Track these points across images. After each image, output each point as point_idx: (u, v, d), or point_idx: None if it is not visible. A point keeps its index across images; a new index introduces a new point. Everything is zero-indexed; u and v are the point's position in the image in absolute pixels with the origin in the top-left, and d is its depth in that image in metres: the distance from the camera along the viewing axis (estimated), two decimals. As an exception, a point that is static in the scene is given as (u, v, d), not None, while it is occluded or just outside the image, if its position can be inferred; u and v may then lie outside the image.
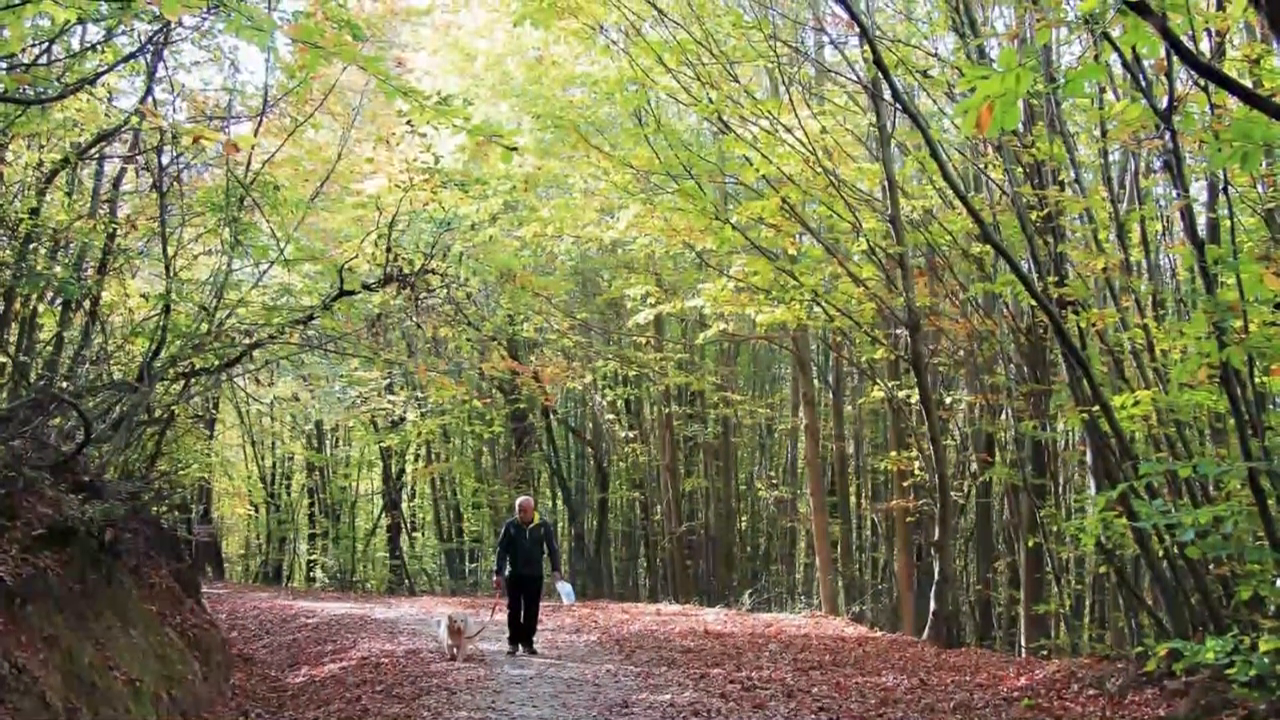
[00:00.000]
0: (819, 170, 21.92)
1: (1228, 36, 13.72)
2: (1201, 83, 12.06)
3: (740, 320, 29.32)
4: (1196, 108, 13.14)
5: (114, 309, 19.09)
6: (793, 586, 40.09)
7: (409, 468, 46.45)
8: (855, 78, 23.10)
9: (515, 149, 11.36)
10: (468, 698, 14.14)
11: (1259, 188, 15.11)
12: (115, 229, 17.69)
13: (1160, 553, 14.37)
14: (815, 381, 34.11)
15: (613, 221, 27.65)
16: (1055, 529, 21.93)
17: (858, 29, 16.69)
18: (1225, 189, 13.08)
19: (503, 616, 18.93)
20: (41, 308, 17.67)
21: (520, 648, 18.42)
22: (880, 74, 15.50)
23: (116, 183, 19.27)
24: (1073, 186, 18.22)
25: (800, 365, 32.17)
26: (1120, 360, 17.04)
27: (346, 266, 17.88)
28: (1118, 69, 15.34)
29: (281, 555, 48.98)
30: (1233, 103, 11.70)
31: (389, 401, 36.44)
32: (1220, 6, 13.34)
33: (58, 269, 17.05)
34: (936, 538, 22.56)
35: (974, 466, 28.23)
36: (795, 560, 42.68)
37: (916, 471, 27.25)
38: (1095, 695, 13.25)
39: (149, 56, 16.41)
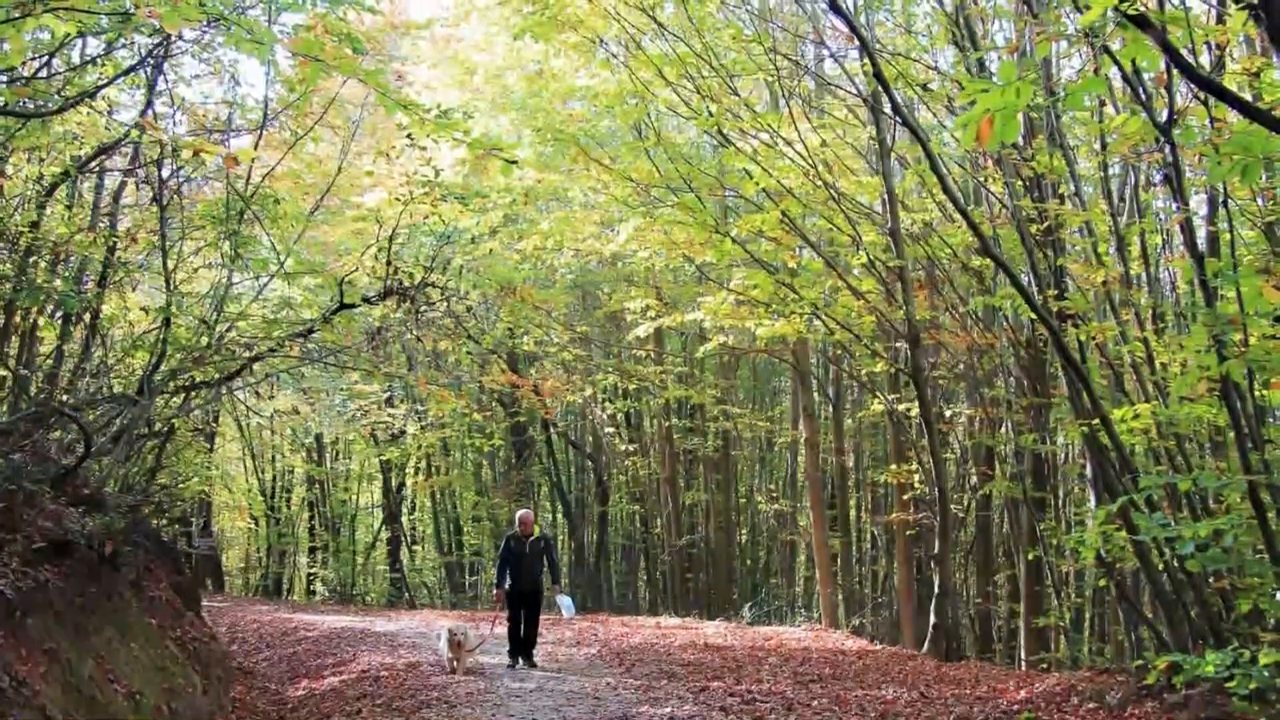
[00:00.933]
0: (819, 184, 21.95)
1: (1228, 50, 13.73)
2: (1201, 96, 12.06)
3: (740, 333, 29.32)
4: (1196, 121, 13.15)
5: (114, 322, 19.10)
6: (793, 599, 40.03)
7: (409, 481, 46.44)
8: (855, 91, 23.13)
9: (515, 162, 11.36)
10: (468, 711, 14.14)
11: (1259, 201, 15.13)
12: (115, 242, 17.72)
13: (1160, 566, 14.36)
14: (815, 395, 34.04)
15: (613, 235, 27.68)
16: (1055, 542, 21.94)
17: (857, 42, 16.71)
18: (1225, 202, 13.10)
19: (503, 630, 18.92)
20: (42, 321, 17.69)
21: (520, 661, 18.40)
22: (880, 87, 15.50)
23: (117, 196, 19.29)
24: (1073, 200, 18.24)
25: (800, 378, 32.16)
26: (1120, 373, 17.05)
27: (346, 280, 17.91)
28: (1117, 82, 15.34)
29: (282, 568, 48.91)
30: (1233, 116, 11.70)
31: (389, 415, 36.49)
32: (1220, 20, 13.35)
33: (58, 282, 17.06)
34: (936, 551, 22.55)
35: (974, 480, 28.22)
36: (795, 573, 42.61)
37: (916, 485, 27.24)
38: (1095, 709, 13.23)
39: (149, 70, 16.45)
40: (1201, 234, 13.56)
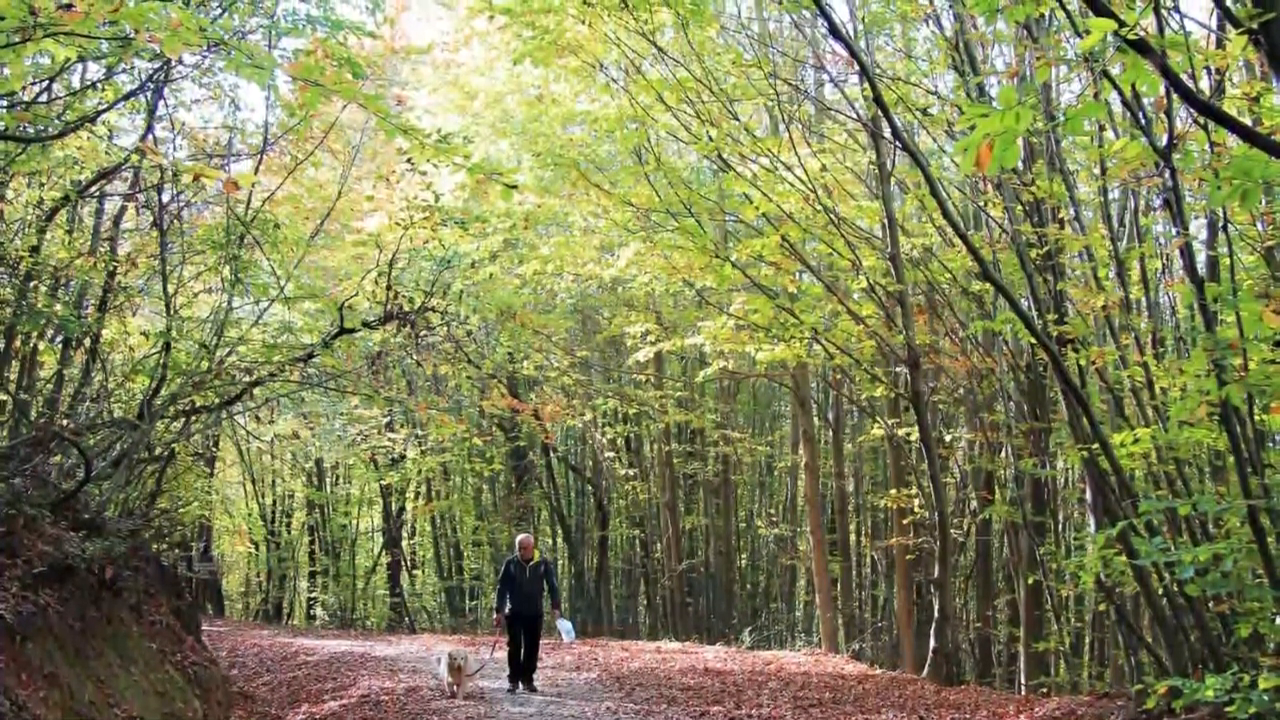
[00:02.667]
0: (819, 208, 21.93)
1: (1227, 74, 13.73)
2: (1201, 120, 12.06)
3: (740, 358, 29.27)
4: (1196, 145, 13.13)
5: (114, 347, 19.11)
6: (793, 624, 39.98)
7: (409, 505, 46.39)
8: (855, 115, 23.17)
9: (515, 187, 11.40)
10: (467, 736, 14.12)
11: (1258, 225, 15.11)
12: (116, 267, 17.73)
13: (1160, 590, 14.33)
14: (815, 419, 34.05)
15: (613, 259, 27.67)
16: (1055, 566, 21.88)
17: (857, 67, 16.71)
18: (1225, 226, 13.08)
19: (503, 654, 18.89)
20: (42, 345, 17.70)
21: (520, 685, 18.38)
22: (880, 112, 15.52)
23: (117, 220, 19.31)
24: (1072, 224, 18.21)
25: (800, 403, 32.11)
26: (1120, 398, 17.02)
27: (346, 304, 17.92)
28: (1117, 107, 15.34)
29: (282, 593, 48.85)
30: (1232, 140, 11.70)
31: (389, 439, 36.40)
32: (1220, 45, 13.36)
33: (58, 307, 17.07)
34: (936, 575, 22.50)
35: (974, 504, 28.17)
36: (795, 598, 42.56)
37: (916, 509, 27.22)
38: (1097, 733, 13.22)
39: (149, 94, 16.49)
40: (1201, 258, 13.54)
